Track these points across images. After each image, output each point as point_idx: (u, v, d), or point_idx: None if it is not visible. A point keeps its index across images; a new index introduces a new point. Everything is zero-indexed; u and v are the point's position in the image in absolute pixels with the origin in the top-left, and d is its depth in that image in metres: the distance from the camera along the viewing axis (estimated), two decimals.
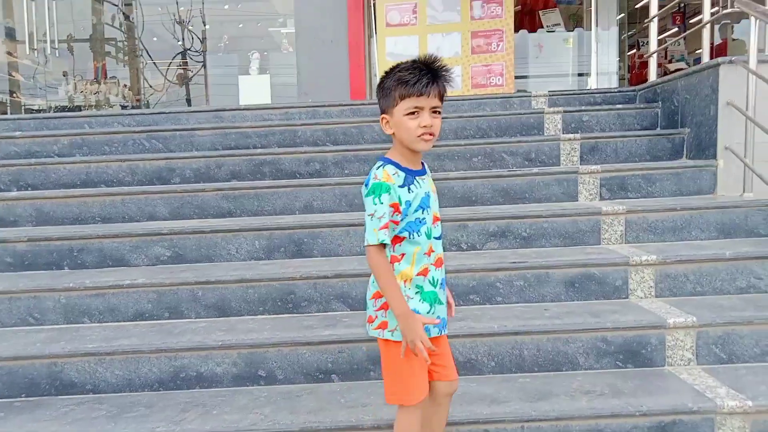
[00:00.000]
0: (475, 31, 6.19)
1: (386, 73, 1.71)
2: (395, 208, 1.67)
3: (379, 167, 1.71)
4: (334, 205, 3.43)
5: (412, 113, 1.65)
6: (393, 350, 1.72)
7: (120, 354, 2.45)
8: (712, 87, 3.45)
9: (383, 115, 1.74)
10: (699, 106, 3.61)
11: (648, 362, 2.43)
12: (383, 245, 1.67)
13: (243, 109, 4.57)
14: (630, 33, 10.60)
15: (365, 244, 1.67)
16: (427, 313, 1.73)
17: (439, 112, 1.69)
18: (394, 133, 1.72)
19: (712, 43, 9.38)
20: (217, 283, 2.76)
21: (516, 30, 6.49)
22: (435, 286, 1.76)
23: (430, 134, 1.67)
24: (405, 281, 1.72)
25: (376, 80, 6.78)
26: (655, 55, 4.45)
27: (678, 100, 3.87)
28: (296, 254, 3.09)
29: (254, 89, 6.81)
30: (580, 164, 3.73)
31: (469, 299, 2.78)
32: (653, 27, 4.46)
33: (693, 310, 2.52)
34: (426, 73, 1.64)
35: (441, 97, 1.68)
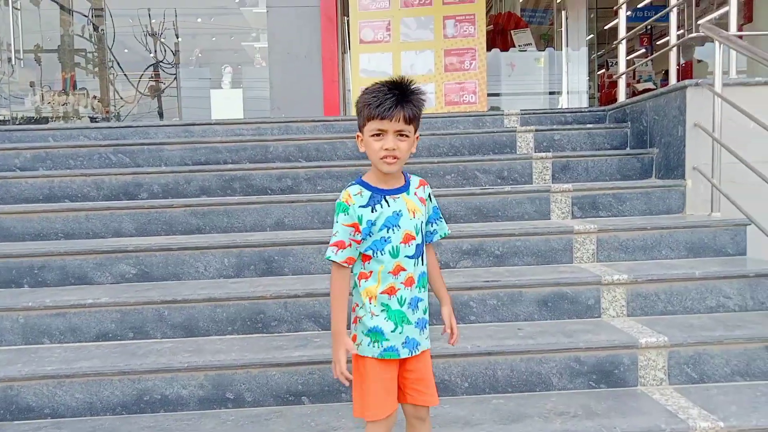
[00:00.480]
0: (448, 49, 6.24)
1: (361, 92, 1.72)
2: (355, 227, 1.71)
3: (346, 188, 1.75)
4: (306, 222, 3.39)
5: (377, 135, 1.67)
6: (357, 364, 1.77)
7: (81, 376, 2.35)
8: (680, 108, 3.53)
9: (358, 133, 1.74)
10: (667, 126, 3.68)
11: (621, 382, 2.43)
12: (346, 262, 1.72)
13: (214, 124, 4.50)
14: (599, 53, 10.86)
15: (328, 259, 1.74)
16: (392, 331, 1.73)
17: (407, 135, 1.68)
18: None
19: (678, 64, 9.67)
20: (184, 302, 2.68)
21: (488, 49, 6.58)
22: (402, 305, 1.74)
23: (394, 157, 1.67)
24: (370, 298, 1.74)
25: (351, 96, 6.81)
26: (624, 76, 4.54)
27: (647, 120, 3.95)
28: (267, 272, 3.03)
29: (226, 103, 6.73)
30: (552, 183, 3.76)
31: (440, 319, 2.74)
32: (622, 48, 4.56)
33: (664, 329, 2.53)
34: (390, 97, 1.64)
35: (409, 120, 1.66)
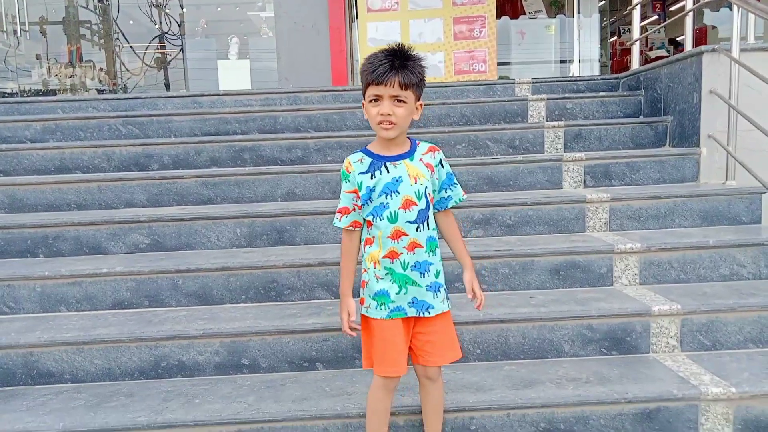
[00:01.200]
0: (457, 17, 6.13)
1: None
2: (356, 193, 1.79)
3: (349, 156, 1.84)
4: (316, 192, 3.38)
5: (374, 100, 1.70)
6: (366, 325, 1.86)
7: (99, 343, 2.38)
8: (695, 75, 3.46)
9: (363, 101, 1.77)
10: (682, 94, 3.62)
11: (633, 349, 2.44)
12: (352, 227, 1.83)
13: (222, 95, 4.46)
14: (611, 20, 10.64)
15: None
16: (397, 293, 1.79)
17: (404, 101, 1.69)
18: None
19: (698, 29, 9.44)
20: (198, 272, 2.70)
21: (498, 16, 6.46)
22: (406, 269, 1.78)
23: (390, 122, 1.69)
24: (374, 263, 1.80)
25: (358, 66, 6.73)
26: (637, 43, 4.45)
27: (661, 87, 3.88)
28: (278, 242, 3.04)
29: (234, 74, 6.68)
30: (564, 152, 3.73)
31: (455, 287, 2.75)
32: (636, 14, 4.46)
33: (677, 297, 2.53)
34: (386, 63, 1.65)
35: (404, 86, 1.66)
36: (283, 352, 2.41)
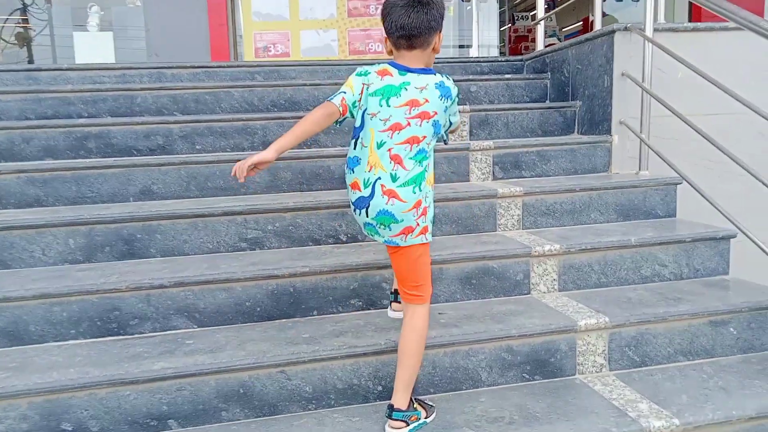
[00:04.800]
0: None
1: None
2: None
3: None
4: (179, 189, 2.75)
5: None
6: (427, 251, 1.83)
7: None
8: (606, 56, 3.20)
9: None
10: (592, 77, 3.35)
11: (557, 371, 2.09)
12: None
13: (66, 69, 3.65)
14: (501, 9, 10.59)
15: None
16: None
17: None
18: None
19: (585, 19, 9.54)
20: (6, 301, 2.01)
21: None
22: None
23: None
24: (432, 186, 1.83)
25: (243, 42, 6.04)
26: (542, 23, 4.18)
27: (569, 70, 3.61)
28: (127, 255, 2.40)
29: (94, 49, 5.73)
30: (470, 139, 3.35)
31: (350, 304, 2.28)
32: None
33: (602, 306, 2.21)
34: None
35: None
36: (122, 410, 1.80)
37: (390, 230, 1.74)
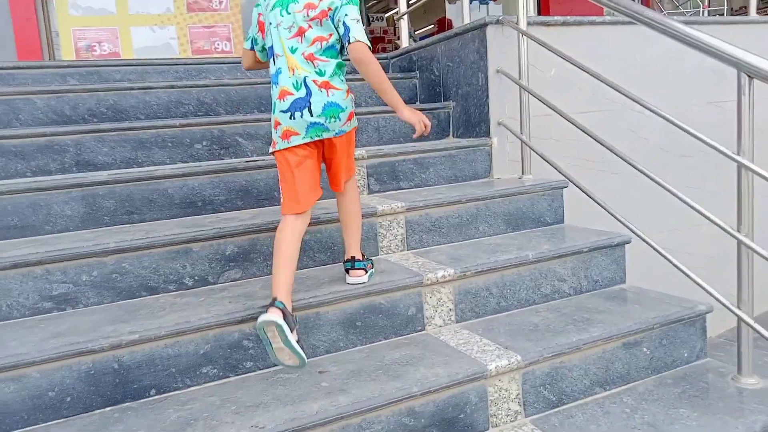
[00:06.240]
0: None
1: None
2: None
3: None
4: None
5: None
6: None
7: None
8: (479, 52, 2.94)
9: None
10: (465, 75, 3.08)
11: (468, 428, 1.72)
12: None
13: None
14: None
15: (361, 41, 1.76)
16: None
17: None
18: None
19: (441, 20, 9.53)
20: None
21: None
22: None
23: None
24: None
25: (60, 41, 5.09)
26: (406, 18, 3.87)
27: (439, 68, 3.32)
28: None
29: None
30: None
31: (201, 374, 1.73)
32: None
33: (509, 339, 1.89)
34: None
35: None
36: None
37: (340, 120, 1.82)
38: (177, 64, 3.36)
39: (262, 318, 1.55)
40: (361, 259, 1.98)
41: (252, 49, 2.01)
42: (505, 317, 2.11)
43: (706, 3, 8.44)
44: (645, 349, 1.97)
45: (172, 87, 2.94)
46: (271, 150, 1.87)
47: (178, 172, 2.33)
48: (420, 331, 2.02)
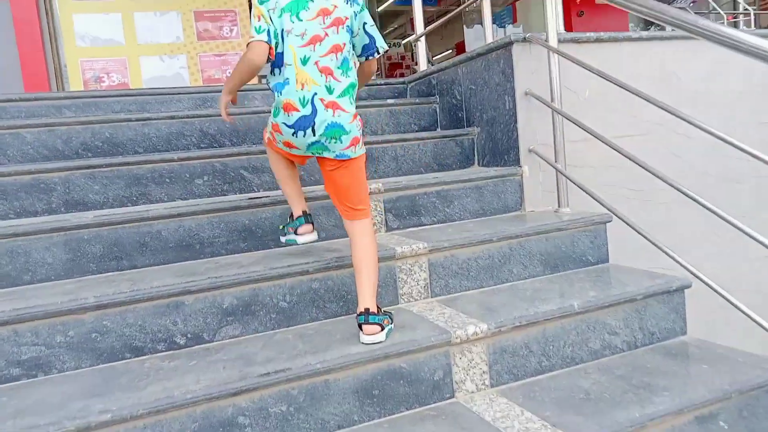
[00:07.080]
0: (199, 10, 4.80)
1: None
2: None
3: None
4: None
5: None
6: None
7: None
8: (505, 73, 2.67)
9: None
10: (489, 98, 2.81)
11: None
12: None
13: None
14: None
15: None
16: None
17: None
18: None
19: (459, 44, 9.35)
20: None
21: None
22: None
23: None
24: None
25: (67, 71, 4.97)
26: (423, 39, 3.64)
27: (460, 92, 3.06)
28: None
29: None
30: None
31: None
32: (417, 3, 3.63)
33: (557, 412, 1.57)
34: None
35: None
36: None
37: (341, 143, 1.73)
38: (180, 93, 3.14)
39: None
40: (376, 312, 1.69)
41: (269, 42, 1.69)
42: (548, 380, 1.80)
43: (731, 15, 8.15)
44: (722, 423, 1.64)
45: (172, 118, 2.72)
46: (265, 138, 1.87)
47: (173, 212, 2.08)
48: (449, 398, 1.72)
